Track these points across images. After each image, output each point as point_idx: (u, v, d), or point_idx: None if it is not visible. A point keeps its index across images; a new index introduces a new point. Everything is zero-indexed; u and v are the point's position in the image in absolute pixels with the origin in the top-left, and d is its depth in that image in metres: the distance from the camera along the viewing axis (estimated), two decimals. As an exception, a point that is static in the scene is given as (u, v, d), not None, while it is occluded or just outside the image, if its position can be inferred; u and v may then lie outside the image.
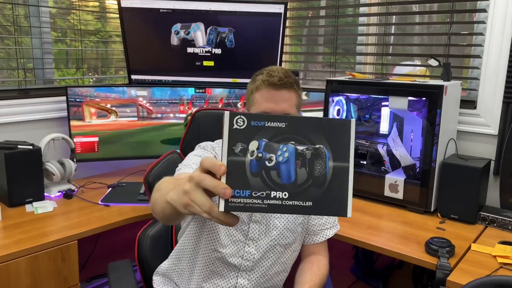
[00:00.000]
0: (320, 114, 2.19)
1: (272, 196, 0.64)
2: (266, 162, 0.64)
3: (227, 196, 0.63)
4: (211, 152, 1.32)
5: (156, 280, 1.39)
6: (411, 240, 1.59)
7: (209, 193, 0.67)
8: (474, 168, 1.73)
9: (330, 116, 2.10)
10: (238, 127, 0.64)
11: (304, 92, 2.22)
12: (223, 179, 0.64)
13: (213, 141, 1.39)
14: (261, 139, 0.64)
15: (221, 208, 0.64)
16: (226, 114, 0.64)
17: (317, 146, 0.65)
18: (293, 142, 0.65)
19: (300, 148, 0.65)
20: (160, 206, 0.94)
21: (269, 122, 0.64)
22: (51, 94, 2.18)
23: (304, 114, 2.17)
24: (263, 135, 0.64)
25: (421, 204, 1.85)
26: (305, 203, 0.64)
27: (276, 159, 0.64)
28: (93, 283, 2.32)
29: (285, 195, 0.64)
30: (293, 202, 0.64)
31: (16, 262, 1.45)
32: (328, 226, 1.39)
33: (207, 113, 1.69)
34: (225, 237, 1.26)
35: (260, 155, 0.64)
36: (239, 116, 0.64)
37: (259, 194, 0.64)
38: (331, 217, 1.40)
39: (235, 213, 0.66)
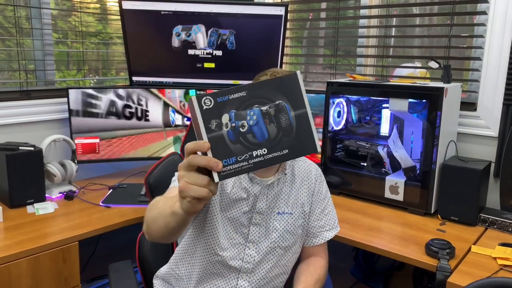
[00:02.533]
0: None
1: (254, 155, 0.74)
2: (240, 129, 0.73)
3: (220, 168, 0.72)
4: None
5: (156, 283, 1.39)
6: (411, 242, 1.59)
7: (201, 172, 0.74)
8: (475, 170, 1.73)
9: (330, 119, 2.10)
10: (208, 107, 0.72)
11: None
12: (209, 155, 0.72)
13: None
14: (230, 111, 0.73)
15: (216, 179, 0.72)
16: (193, 98, 0.71)
17: (277, 102, 0.75)
18: (257, 105, 0.74)
19: (264, 108, 0.75)
20: (162, 221, 0.96)
21: (232, 95, 0.73)
22: (52, 96, 2.19)
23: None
24: (230, 107, 0.73)
25: (421, 206, 1.85)
26: (283, 151, 0.75)
27: (247, 124, 0.74)
28: (94, 284, 2.32)
29: (264, 151, 0.75)
30: (273, 154, 0.75)
31: (17, 263, 1.45)
32: (327, 228, 1.39)
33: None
34: (225, 240, 1.27)
35: (233, 125, 0.73)
36: (205, 97, 0.72)
37: (243, 157, 0.73)
38: (331, 218, 1.40)
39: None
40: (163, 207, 0.97)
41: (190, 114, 0.78)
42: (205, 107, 0.72)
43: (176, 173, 1.27)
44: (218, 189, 1.26)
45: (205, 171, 0.75)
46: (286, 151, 0.75)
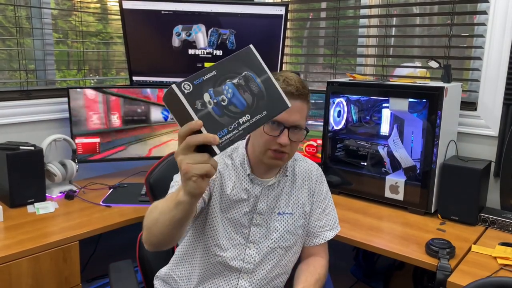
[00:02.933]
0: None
1: (241, 122, 0.83)
2: (222, 103, 0.81)
3: (218, 141, 0.78)
4: None
5: (157, 284, 1.40)
6: (412, 241, 1.59)
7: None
8: (475, 170, 1.73)
9: (331, 118, 2.10)
10: (188, 91, 0.79)
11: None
12: (204, 133, 0.79)
13: None
14: (208, 90, 0.81)
15: (217, 151, 0.79)
16: (174, 87, 0.78)
17: (243, 73, 0.85)
18: (228, 80, 0.83)
19: (234, 81, 0.84)
20: (166, 218, 0.97)
21: (205, 76, 0.81)
22: (53, 95, 2.19)
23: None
24: (207, 86, 0.81)
25: (421, 206, 1.85)
26: (262, 113, 0.85)
27: (226, 97, 0.82)
28: (94, 284, 2.33)
29: (248, 116, 0.83)
30: (255, 117, 0.84)
31: (17, 262, 1.45)
32: (328, 228, 1.39)
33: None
34: (225, 241, 1.27)
35: (215, 101, 0.81)
36: (183, 83, 0.79)
37: (232, 126, 0.81)
38: (332, 218, 1.40)
39: None
40: (165, 205, 0.98)
41: (167, 105, 0.83)
42: (186, 91, 0.79)
43: (174, 177, 1.28)
44: (218, 190, 1.27)
45: (202, 149, 0.80)
46: (265, 112, 0.85)
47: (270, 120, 0.88)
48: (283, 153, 1.23)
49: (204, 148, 0.80)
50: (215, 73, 0.82)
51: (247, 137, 1.33)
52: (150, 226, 1.04)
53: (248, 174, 1.29)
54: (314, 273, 1.32)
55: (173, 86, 0.78)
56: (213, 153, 0.80)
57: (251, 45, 0.88)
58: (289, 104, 0.89)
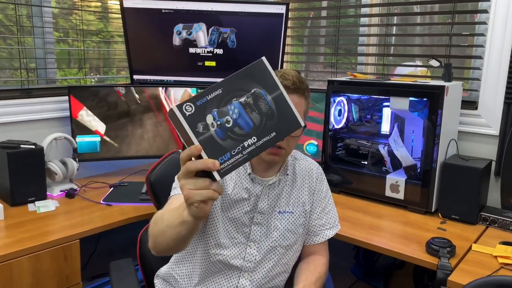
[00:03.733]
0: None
1: (246, 145, 0.77)
2: (226, 125, 0.76)
3: (217, 166, 0.75)
4: None
5: (157, 283, 1.40)
6: (412, 240, 1.59)
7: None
8: (475, 169, 1.73)
9: (331, 117, 2.10)
10: (190, 113, 0.75)
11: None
12: (205, 157, 0.75)
13: None
14: (212, 111, 0.76)
15: (217, 178, 0.76)
16: (174, 108, 0.75)
17: (252, 90, 0.78)
18: (235, 99, 0.77)
19: (242, 100, 0.78)
20: (172, 233, 0.98)
21: (209, 95, 0.76)
22: (54, 94, 2.19)
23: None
24: (211, 107, 0.76)
25: (422, 205, 1.85)
26: (271, 135, 0.79)
27: (231, 118, 0.77)
28: (95, 282, 2.33)
29: (254, 139, 0.78)
30: (263, 139, 0.78)
31: (18, 261, 1.45)
32: (328, 227, 1.39)
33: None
34: (226, 239, 1.27)
35: (218, 123, 0.76)
36: (185, 104, 0.75)
37: (236, 150, 0.76)
38: (332, 217, 1.41)
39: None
40: (171, 219, 0.99)
41: (172, 124, 0.79)
42: (187, 113, 0.75)
43: (176, 178, 1.28)
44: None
45: (204, 174, 0.78)
46: (274, 133, 0.79)
47: (279, 141, 0.82)
48: (279, 148, 1.23)
49: (206, 173, 0.77)
50: (221, 91, 0.77)
51: None
52: (157, 236, 1.06)
53: (249, 174, 1.29)
54: (314, 272, 1.32)
55: (174, 107, 0.75)
56: (213, 179, 0.77)
57: (263, 58, 0.81)
58: (303, 123, 0.83)
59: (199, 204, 0.80)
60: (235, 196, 1.28)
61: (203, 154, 0.75)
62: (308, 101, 1.27)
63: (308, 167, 1.39)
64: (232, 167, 0.77)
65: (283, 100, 0.80)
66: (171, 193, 1.26)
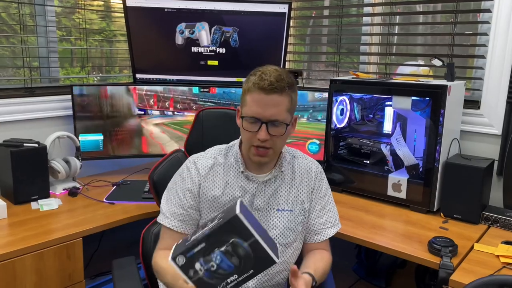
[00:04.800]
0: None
1: (229, 281, 0.96)
2: (212, 268, 0.95)
3: None
4: (192, 174, 1.31)
5: (160, 282, 1.40)
6: (414, 240, 1.59)
7: None
8: (478, 168, 1.73)
9: (334, 116, 2.11)
10: (182, 263, 0.96)
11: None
12: None
13: (217, 142, 1.40)
14: (199, 259, 0.96)
15: None
16: (170, 260, 0.96)
17: (231, 240, 0.94)
18: (217, 248, 0.95)
19: (222, 249, 0.95)
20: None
21: (195, 248, 0.95)
22: (57, 93, 2.20)
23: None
24: (198, 256, 0.96)
25: (424, 204, 1.85)
26: (249, 272, 0.95)
27: (215, 263, 0.95)
28: (97, 280, 2.34)
29: (235, 276, 0.96)
30: (242, 276, 0.95)
31: (21, 259, 1.46)
32: (329, 225, 1.40)
33: (211, 112, 1.70)
34: None
35: (205, 267, 0.95)
36: (178, 257, 0.96)
37: (221, 285, 0.96)
38: (332, 216, 1.41)
39: None
40: (172, 282, 1.15)
41: None
42: (180, 264, 0.96)
43: (169, 185, 1.36)
44: (207, 200, 1.31)
45: None
46: (252, 270, 0.95)
47: (256, 275, 0.96)
48: (266, 149, 1.23)
49: None
50: (204, 245, 0.95)
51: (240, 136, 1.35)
52: (161, 279, 1.27)
53: (242, 172, 1.30)
54: (321, 259, 1.34)
55: (170, 259, 0.96)
56: None
57: (237, 213, 0.94)
58: (277, 260, 0.96)
59: None
60: (227, 196, 1.29)
61: None
62: (291, 96, 1.24)
63: (307, 166, 1.40)
64: None
65: (258, 245, 0.94)
66: (162, 221, 1.32)
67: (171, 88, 2.27)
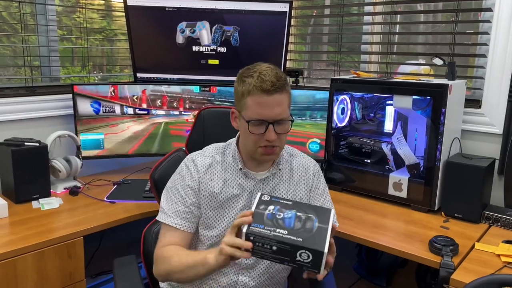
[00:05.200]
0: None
1: (277, 231, 1.02)
2: (277, 216, 1.05)
3: (247, 222, 1.04)
4: (192, 172, 1.32)
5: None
6: (415, 239, 1.59)
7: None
8: (479, 167, 1.73)
9: (335, 115, 2.11)
10: (265, 199, 1.10)
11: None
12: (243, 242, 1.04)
13: (218, 141, 1.40)
14: (277, 206, 1.08)
15: (244, 230, 1.03)
16: (259, 194, 1.12)
17: (309, 215, 1.06)
18: (295, 211, 1.07)
19: (299, 214, 1.06)
20: (191, 273, 1.19)
21: (283, 200, 1.10)
22: (57, 92, 2.20)
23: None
24: (277, 204, 1.09)
25: (425, 203, 1.85)
26: (298, 238, 1.00)
27: (283, 215, 1.06)
28: (98, 279, 2.34)
29: (285, 232, 1.02)
30: (289, 236, 1.01)
31: (22, 257, 1.46)
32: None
33: (212, 111, 1.70)
34: (223, 238, 1.29)
35: (273, 212, 1.06)
36: (264, 195, 1.11)
37: (268, 228, 1.02)
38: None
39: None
40: (191, 262, 1.18)
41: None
42: (262, 199, 1.10)
43: (168, 184, 1.36)
44: (206, 197, 1.31)
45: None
46: (300, 239, 1.00)
47: (299, 249, 1.00)
48: (273, 147, 1.24)
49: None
50: (291, 203, 1.09)
51: (237, 133, 1.36)
52: (170, 273, 1.23)
53: (240, 169, 1.30)
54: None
55: (259, 194, 1.12)
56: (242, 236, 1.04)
57: (333, 210, 1.09)
58: (324, 250, 0.99)
59: (227, 258, 1.06)
60: (225, 194, 1.30)
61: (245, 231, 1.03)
62: (289, 93, 1.25)
63: (305, 164, 1.40)
64: (257, 232, 1.02)
65: (325, 231, 1.02)
66: (163, 219, 1.32)
67: (172, 88, 2.28)
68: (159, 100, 2.27)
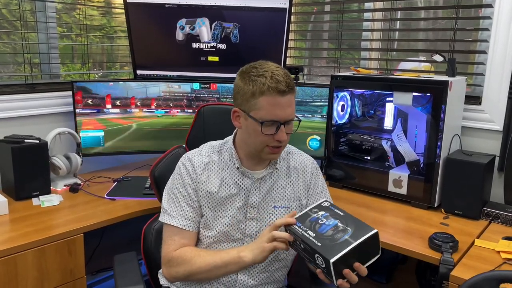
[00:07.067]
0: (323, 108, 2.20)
1: (307, 232, 1.11)
2: (319, 220, 1.14)
3: (292, 222, 1.14)
4: (190, 171, 1.32)
5: (161, 277, 1.41)
6: (415, 235, 1.59)
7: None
8: (479, 164, 1.73)
9: (335, 112, 2.10)
10: (326, 205, 1.19)
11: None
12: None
13: (218, 139, 1.40)
14: (325, 213, 1.16)
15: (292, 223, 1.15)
16: (325, 202, 1.21)
17: (348, 227, 1.10)
18: (338, 221, 1.12)
19: (339, 224, 1.12)
20: (221, 272, 1.24)
21: (337, 210, 1.17)
22: (57, 89, 2.20)
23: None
24: (327, 212, 1.17)
25: (425, 200, 1.85)
26: (318, 243, 1.07)
27: (325, 221, 1.13)
28: (99, 276, 2.35)
29: (313, 235, 1.10)
30: (313, 240, 1.08)
31: (23, 254, 1.46)
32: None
33: (212, 108, 1.70)
34: (222, 237, 1.30)
35: (319, 217, 1.15)
36: (325, 201, 1.20)
37: (304, 228, 1.12)
38: None
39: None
40: (220, 261, 1.21)
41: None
42: (321, 204, 1.19)
43: (167, 185, 1.36)
44: (204, 197, 1.31)
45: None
46: (320, 244, 1.06)
47: (315, 252, 1.06)
48: (280, 147, 1.25)
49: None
50: (341, 214, 1.15)
51: (234, 132, 1.36)
52: (193, 274, 1.25)
53: (238, 168, 1.30)
54: None
55: (322, 199, 1.23)
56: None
57: (375, 230, 1.11)
58: (331, 260, 1.02)
59: (268, 254, 1.15)
60: (223, 193, 1.30)
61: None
62: (295, 92, 1.26)
63: (302, 162, 1.40)
64: (292, 229, 1.13)
65: (347, 244, 1.06)
66: (168, 221, 1.31)
67: (173, 86, 2.27)
68: (160, 99, 2.27)
